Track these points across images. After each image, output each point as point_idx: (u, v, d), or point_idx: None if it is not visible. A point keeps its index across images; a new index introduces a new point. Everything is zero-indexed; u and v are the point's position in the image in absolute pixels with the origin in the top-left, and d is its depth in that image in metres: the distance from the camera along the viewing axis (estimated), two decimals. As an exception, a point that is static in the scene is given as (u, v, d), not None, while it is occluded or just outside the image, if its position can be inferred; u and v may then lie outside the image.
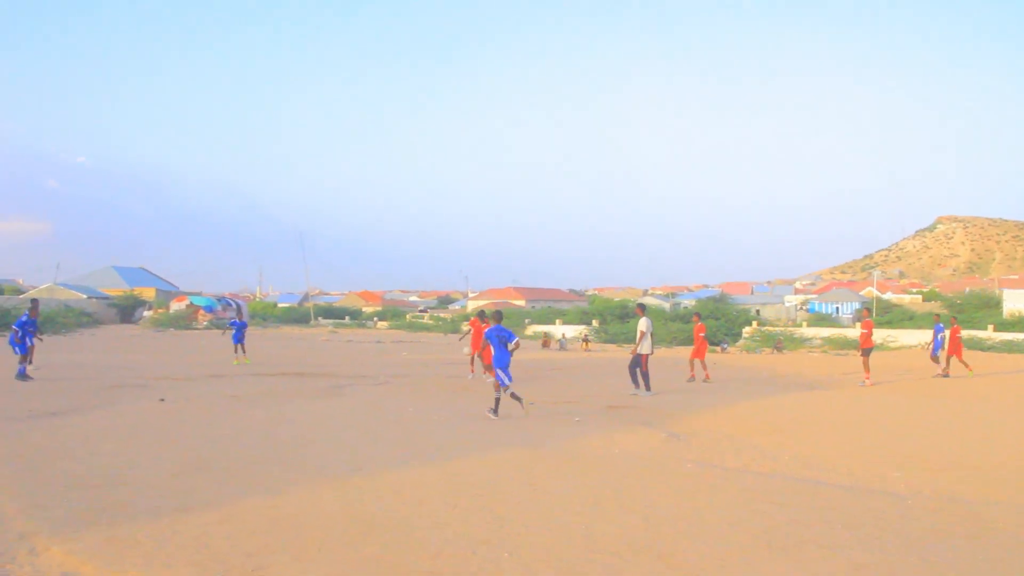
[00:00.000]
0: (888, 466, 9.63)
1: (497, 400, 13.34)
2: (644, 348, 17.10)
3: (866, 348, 21.22)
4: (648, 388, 16.97)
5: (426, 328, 68.85)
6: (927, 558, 5.92)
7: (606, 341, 50.64)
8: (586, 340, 46.50)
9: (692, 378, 21.48)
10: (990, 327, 44.15)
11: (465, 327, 17.40)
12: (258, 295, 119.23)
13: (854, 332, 39.28)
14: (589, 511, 7.06)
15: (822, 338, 45.29)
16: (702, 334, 21.71)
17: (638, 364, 17.12)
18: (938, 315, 26.85)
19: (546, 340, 45.73)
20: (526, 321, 66.89)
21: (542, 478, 8.43)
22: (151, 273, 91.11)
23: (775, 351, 41.78)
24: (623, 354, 33.98)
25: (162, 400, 14.76)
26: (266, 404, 14.72)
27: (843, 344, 41.61)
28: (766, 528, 6.61)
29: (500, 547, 5.94)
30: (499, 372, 13.28)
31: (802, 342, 44.94)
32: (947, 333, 23.41)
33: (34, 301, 21.85)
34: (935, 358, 23.56)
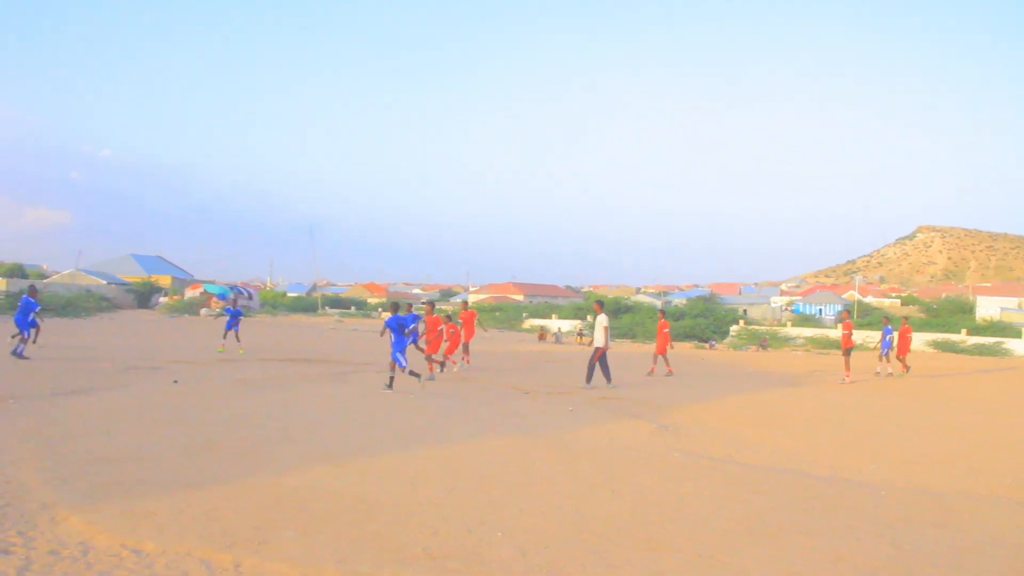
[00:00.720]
0: (864, 459, 10.04)
1: (391, 378, 15.43)
2: (599, 342, 17.69)
3: (847, 348, 22.11)
4: (608, 379, 17.66)
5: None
6: (898, 544, 6.25)
7: (600, 336, 51.25)
8: (580, 334, 47.51)
9: (651, 372, 22.15)
10: (964, 331, 45.36)
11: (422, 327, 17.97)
12: (268, 284, 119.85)
13: (836, 332, 40.46)
14: (580, 496, 7.39)
15: (805, 337, 46.13)
16: (665, 330, 22.52)
17: (598, 358, 17.70)
18: (887, 317, 27.77)
19: (542, 334, 46.66)
20: (524, 315, 67.30)
21: (536, 464, 8.77)
22: (167, 261, 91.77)
23: (760, 349, 42.31)
24: (616, 348, 34.37)
25: (175, 382, 15.16)
26: (274, 388, 15.11)
27: (825, 344, 42.68)
28: (748, 514, 6.94)
29: (494, 527, 6.26)
30: (396, 355, 15.31)
31: (786, 341, 45.57)
32: (895, 335, 24.38)
33: (32, 286, 22.61)
34: (883, 357, 24.38)
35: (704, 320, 50.83)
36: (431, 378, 17.19)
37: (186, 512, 6.33)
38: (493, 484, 7.70)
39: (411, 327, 15.91)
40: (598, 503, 7.16)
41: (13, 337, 19.30)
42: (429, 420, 11.88)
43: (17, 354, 18.40)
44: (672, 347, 23.04)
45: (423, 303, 19.85)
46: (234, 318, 25.70)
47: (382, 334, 15.97)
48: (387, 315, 16.13)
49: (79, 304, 49.21)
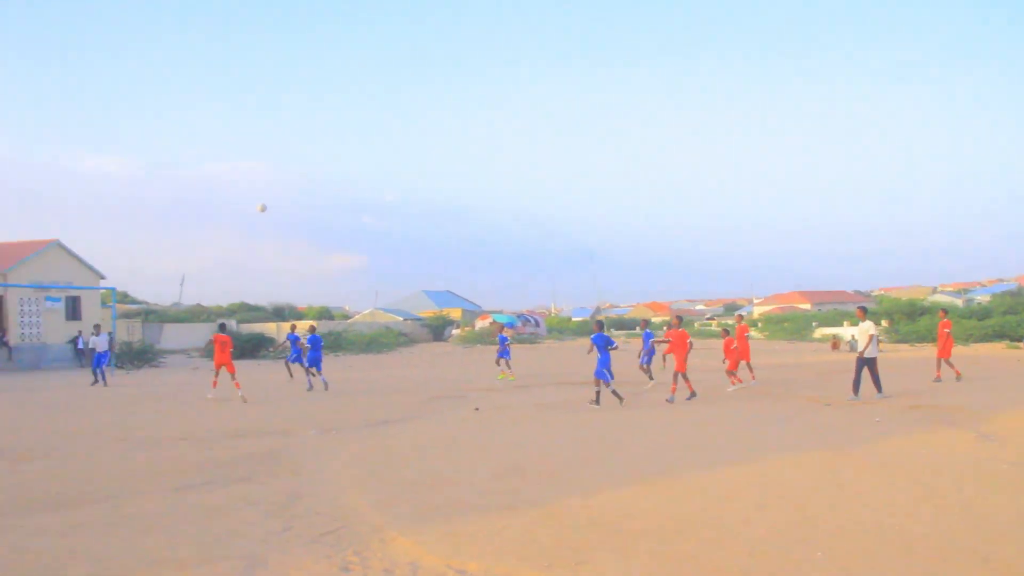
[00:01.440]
0: None
1: (597, 393, 15.84)
2: (870, 351, 16.14)
3: None
4: (879, 389, 16.17)
5: (714, 335, 68.06)
6: None
7: (897, 341, 47.82)
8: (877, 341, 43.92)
9: (938, 378, 20.14)
10: None
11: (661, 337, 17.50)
12: (553, 311, 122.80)
13: None
14: (902, 512, 6.88)
15: None
16: (946, 330, 20.90)
17: (865, 367, 16.16)
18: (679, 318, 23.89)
19: (835, 343, 44.21)
20: (813, 324, 64.12)
21: (849, 479, 8.29)
22: (457, 295, 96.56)
23: None
24: (916, 353, 31.79)
25: (477, 409, 15.81)
26: (569, 411, 15.39)
27: None
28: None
29: (814, 547, 5.96)
30: (602, 371, 15.55)
31: None
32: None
33: (300, 325, 24.75)
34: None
35: (1015, 317, 45.90)
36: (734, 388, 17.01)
37: (503, 533, 6.50)
38: (806, 501, 7.35)
39: (615, 346, 15.97)
40: (923, 520, 6.65)
41: (315, 376, 21.23)
42: (728, 437, 11.60)
43: (323, 383, 20.54)
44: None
45: (674, 317, 19.28)
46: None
47: (589, 351, 16.08)
48: (594, 332, 16.24)
49: (380, 340, 53.75)
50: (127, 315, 53.89)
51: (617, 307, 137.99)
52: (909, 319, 52.21)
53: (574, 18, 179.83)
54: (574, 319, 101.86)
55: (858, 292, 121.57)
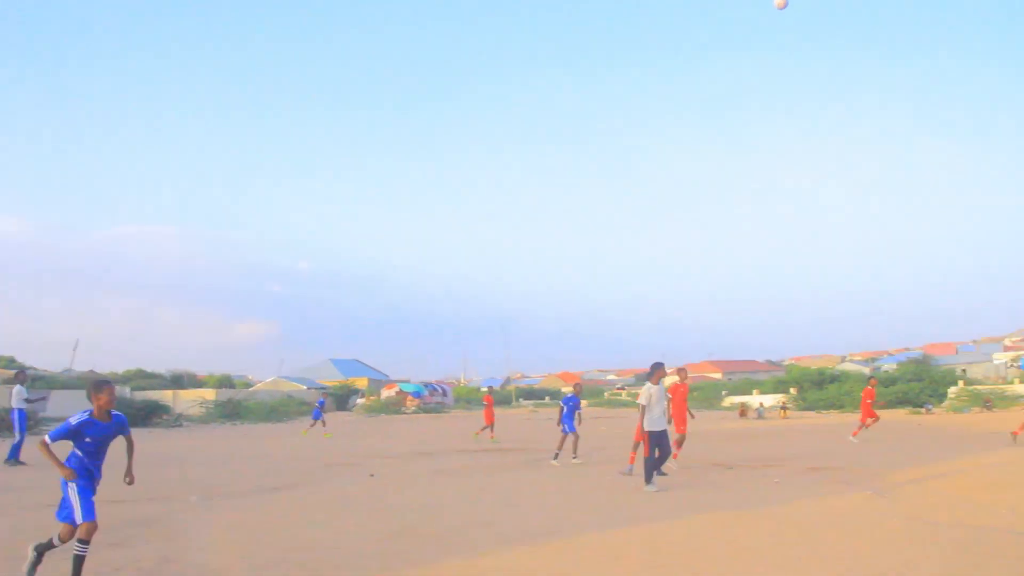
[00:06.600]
0: None
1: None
2: (647, 424, 12.56)
3: None
4: (648, 481, 12.38)
5: (624, 404, 68.72)
6: None
7: (804, 408, 49.42)
8: (784, 408, 45.67)
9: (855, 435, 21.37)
10: None
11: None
12: (462, 380, 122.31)
13: None
14: (790, 568, 6.86)
15: (1036, 394, 42.19)
16: (868, 400, 21.84)
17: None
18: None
19: (743, 410, 45.27)
20: (723, 392, 65.36)
21: (741, 538, 8.26)
22: (364, 364, 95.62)
23: (985, 409, 39.40)
24: (823, 420, 32.59)
25: (372, 476, 15.45)
26: (470, 476, 15.14)
27: None
28: (982, 580, 6.20)
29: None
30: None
31: (1014, 400, 41.81)
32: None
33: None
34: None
35: (918, 384, 47.87)
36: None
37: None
38: (696, 560, 7.27)
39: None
40: (811, 573, 6.61)
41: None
42: (627, 499, 11.50)
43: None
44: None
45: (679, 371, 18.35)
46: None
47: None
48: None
49: (281, 409, 52.73)
50: (8, 381, 51.48)
51: (528, 377, 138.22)
52: (817, 387, 53.78)
53: (473, 90, 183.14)
54: (483, 389, 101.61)
55: (769, 361, 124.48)
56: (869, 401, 21.72)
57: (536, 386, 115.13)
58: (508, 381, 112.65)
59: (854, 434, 21.35)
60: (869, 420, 21.57)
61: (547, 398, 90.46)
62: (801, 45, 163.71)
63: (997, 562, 6.79)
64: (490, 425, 26.22)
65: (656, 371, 12.79)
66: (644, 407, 12.50)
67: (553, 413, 57.95)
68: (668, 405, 13.53)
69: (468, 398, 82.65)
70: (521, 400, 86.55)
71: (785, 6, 14.03)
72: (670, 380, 16.84)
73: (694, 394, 62.32)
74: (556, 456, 16.99)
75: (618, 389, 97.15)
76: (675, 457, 15.15)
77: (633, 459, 14.70)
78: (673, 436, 14.47)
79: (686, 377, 17.31)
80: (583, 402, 19.90)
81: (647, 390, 12.59)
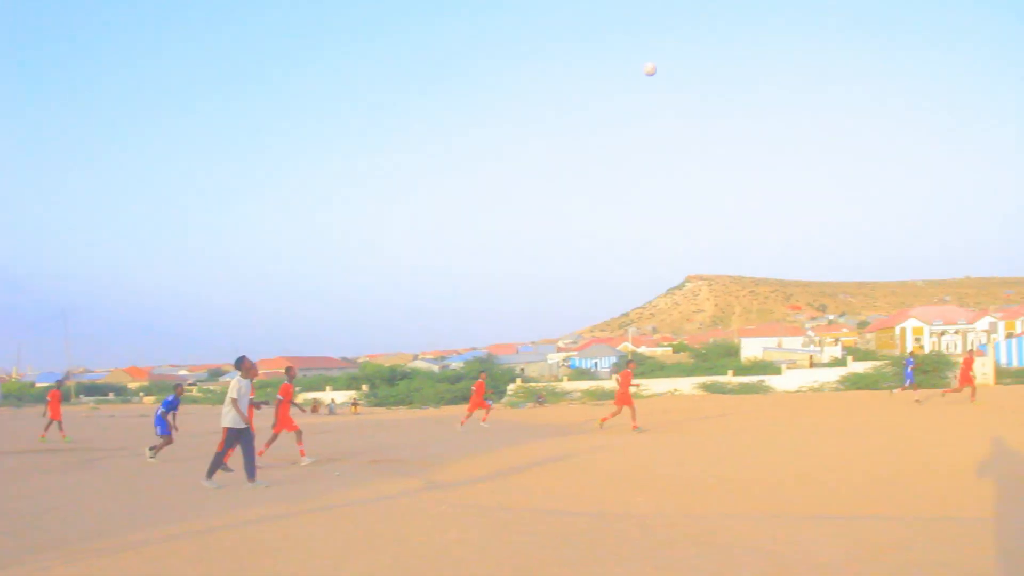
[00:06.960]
0: (633, 492, 10.17)
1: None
2: (231, 421, 11.98)
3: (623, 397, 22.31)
4: (209, 476, 12.13)
5: (194, 400, 66.21)
6: (659, 564, 6.27)
7: (376, 404, 51.25)
8: (355, 404, 47.00)
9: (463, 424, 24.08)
10: (730, 372, 48.15)
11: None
12: (14, 375, 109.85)
13: (612, 384, 41.70)
14: (339, 554, 6.98)
15: (581, 391, 47.24)
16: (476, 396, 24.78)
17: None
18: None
19: (315, 406, 45.50)
20: (296, 389, 65.32)
21: (294, 528, 8.25)
22: None
23: (538, 404, 43.00)
24: (392, 415, 34.00)
25: None
26: (4, 481, 13.60)
27: (601, 395, 43.63)
28: (512, 555, 6.77)
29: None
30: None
31: (563, 395, 46.69)
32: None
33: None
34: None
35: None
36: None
37: None
38: (249, 551, 7.18)
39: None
40: (358, 559, 6.81)
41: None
42: (183, 498, 11.00)
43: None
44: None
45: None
46: None
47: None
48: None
49: None
50: None
51: (92, 372, 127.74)
52: (389, 383, 55.61)
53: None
54: (39, 384, 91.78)
55: (344, 359, 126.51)
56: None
57: (100, 381, 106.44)
58: (68, 376, 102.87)
59: (462, 423, 24.21)
60: (479, 411, 24.66)
61: (111, 394, 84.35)
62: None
63: (526, 536, 7.44)
64: (58, 422, 23.44)
65: (243, 364, 12.43)
66: (235, 400, 12.05)
67: (119, 410, 54.43)
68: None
69: (20, 395, 74.71)
70: (81, 396, 79.77)
71: (654, 72, 15.35)
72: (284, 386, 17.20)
73: (267, 390, 61.94)
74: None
75: (189, 385, 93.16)
76: (302, 455, 15.42)
77: (265, 450, 15.70)
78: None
79: (294, 375, 17.58)
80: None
81: (237, 383, 12.21)
